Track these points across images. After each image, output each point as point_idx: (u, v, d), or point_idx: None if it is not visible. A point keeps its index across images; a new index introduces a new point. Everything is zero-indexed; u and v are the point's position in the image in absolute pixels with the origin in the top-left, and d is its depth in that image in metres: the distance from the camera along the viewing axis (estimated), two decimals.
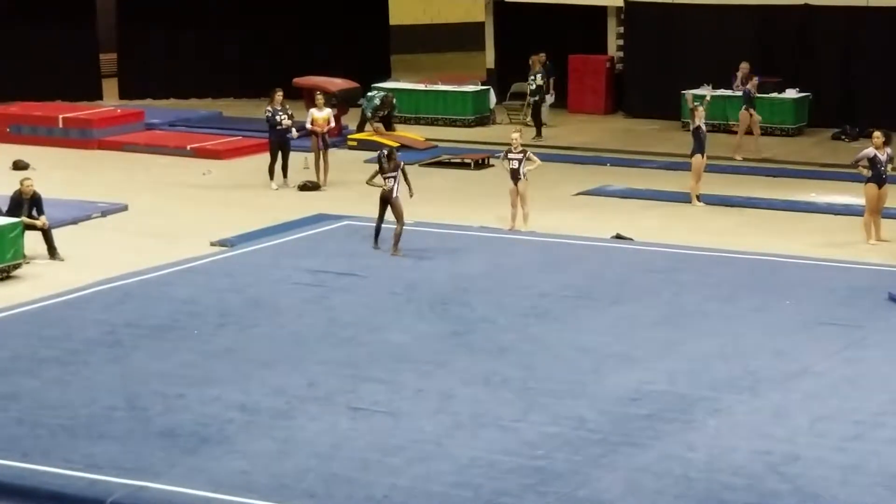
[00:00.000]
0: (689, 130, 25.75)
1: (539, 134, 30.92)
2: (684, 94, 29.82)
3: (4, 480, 12.68)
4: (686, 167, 25.61)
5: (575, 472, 12.78)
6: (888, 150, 21.88)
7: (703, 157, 24.46)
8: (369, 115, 30.84)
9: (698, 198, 24.75)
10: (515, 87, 33.63)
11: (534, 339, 16.81)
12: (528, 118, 32.14)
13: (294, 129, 26.22)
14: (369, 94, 31.39)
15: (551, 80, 32.57)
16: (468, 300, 18.34)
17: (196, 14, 36.26)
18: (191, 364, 15.79)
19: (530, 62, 31.45)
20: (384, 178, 20.66)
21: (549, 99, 32.62)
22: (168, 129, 31.88)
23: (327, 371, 15.53)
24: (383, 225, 20.83)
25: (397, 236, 20.60)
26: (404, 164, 21.10)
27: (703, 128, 24.51)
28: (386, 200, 20.67)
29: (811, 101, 31.47)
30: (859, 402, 14.52)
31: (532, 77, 31.25)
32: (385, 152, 21.17)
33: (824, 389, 14.98)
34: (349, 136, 30.55)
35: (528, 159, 22.36)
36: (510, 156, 22.51)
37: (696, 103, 24.96)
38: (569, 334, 17.01)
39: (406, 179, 20.85)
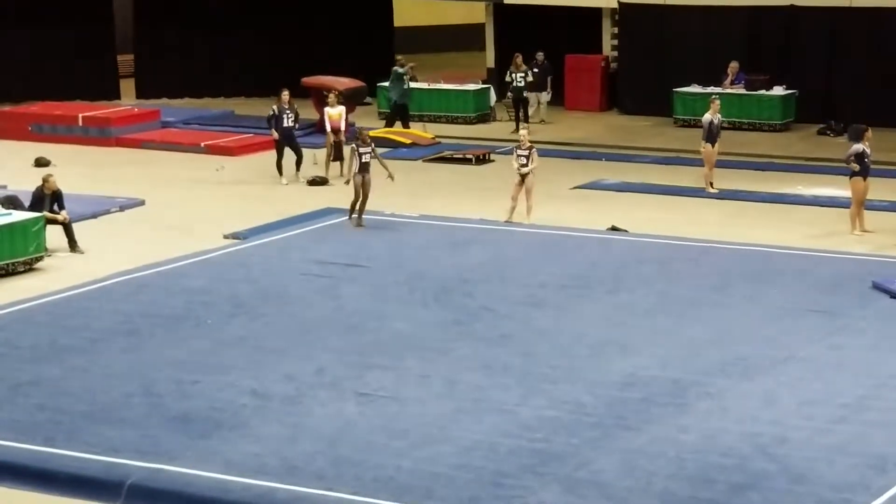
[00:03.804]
0: (681, 126, 26.04)
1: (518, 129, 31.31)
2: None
3: (28, 464, 12.92)
4: (677, 162, 25.97)
5: (572, 453, 12.99)
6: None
7: (713, 146, 24.85)
8: (401, 92, 31.32)
9: (711, 184, 25.14)
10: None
11: (533, 326, 16.95)
12: (537, 118, 32.59)
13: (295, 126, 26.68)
14: (386, 84, 31.77)
15: (549, 79, 32.74)
16: (470, 290, 18.47)
17: (209, 17, 36.44)
18: (205, 352, 15.98)
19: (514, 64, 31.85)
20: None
21: (546, 96, 32.88)
22: (183, 127, 32.03)
23: (335, 358, 15.68)
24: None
25: (361, 210, 22.08)
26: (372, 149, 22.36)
27: (716, 121, 24.96)
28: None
29: (797, 98, 31.57)
30: (844, 386, 14.74)
31: (520, 76, 31.68)
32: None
33: (811, 374, 15.15)
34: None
35: (531, 159, 22.55)
36: (518, 152, 22.73)
37: (715, 97, 25.74)
38: (566, 322, 17.14)
39: (381, 163, 22.36)
